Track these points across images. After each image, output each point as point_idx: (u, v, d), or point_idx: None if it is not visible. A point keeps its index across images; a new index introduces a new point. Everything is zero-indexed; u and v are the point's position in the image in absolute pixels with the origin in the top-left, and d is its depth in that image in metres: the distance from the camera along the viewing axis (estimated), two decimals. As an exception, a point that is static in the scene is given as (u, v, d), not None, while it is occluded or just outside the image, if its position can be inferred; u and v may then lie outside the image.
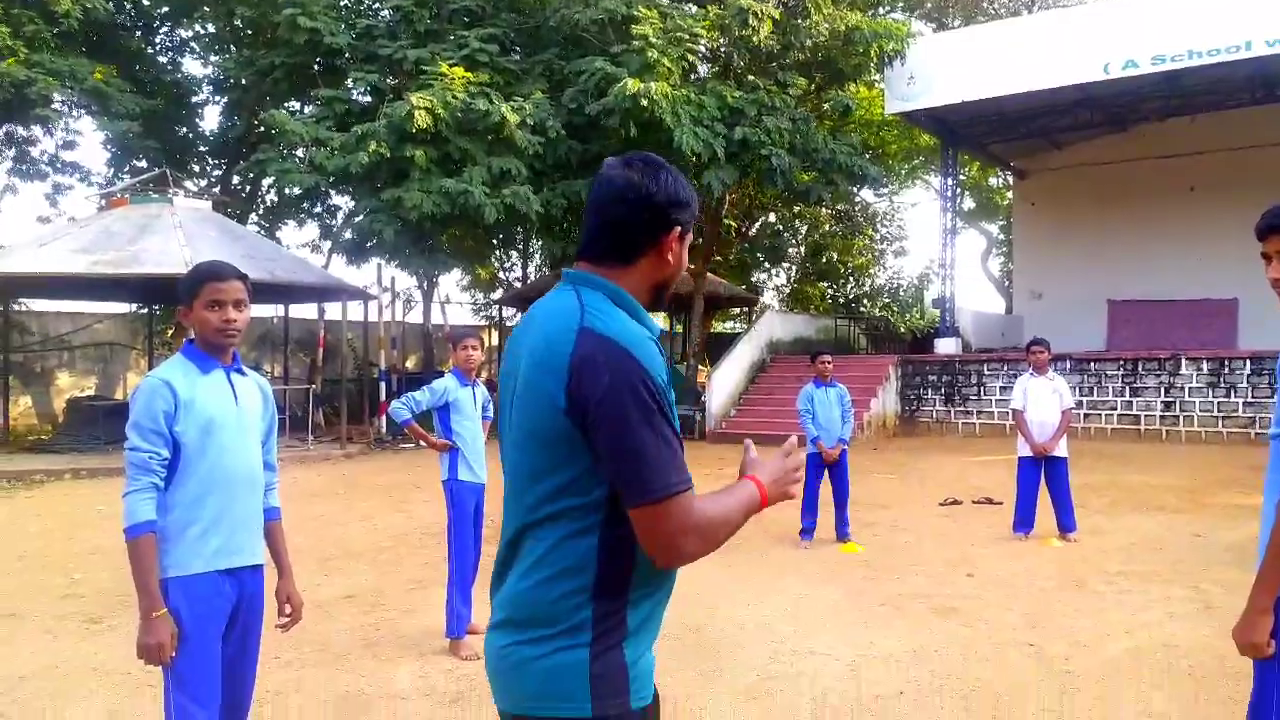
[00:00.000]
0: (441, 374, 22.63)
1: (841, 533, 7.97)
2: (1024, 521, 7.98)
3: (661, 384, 1.59)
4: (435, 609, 5.76)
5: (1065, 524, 7.89)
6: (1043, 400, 8.00)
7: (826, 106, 19.57)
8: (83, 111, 18.72)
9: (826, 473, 8.00)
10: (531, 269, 28.80)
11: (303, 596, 3.09)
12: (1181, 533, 8.19)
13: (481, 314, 32.04)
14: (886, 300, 29.37)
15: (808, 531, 7.94)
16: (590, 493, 1.59)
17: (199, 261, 2.90)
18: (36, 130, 19.69)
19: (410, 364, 23.30)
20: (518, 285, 27.41)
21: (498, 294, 28.94)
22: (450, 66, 15.42)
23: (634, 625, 1.64)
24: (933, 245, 58.85)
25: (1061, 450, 7.96)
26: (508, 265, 29.31)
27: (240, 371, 2.89)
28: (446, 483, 5.29)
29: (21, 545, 7.94)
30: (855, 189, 20.92)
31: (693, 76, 17.00)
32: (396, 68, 17.08)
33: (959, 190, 22.35)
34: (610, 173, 1.70)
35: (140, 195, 15.56)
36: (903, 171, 28.99)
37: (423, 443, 5.31)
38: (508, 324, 25.12)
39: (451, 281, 31.60)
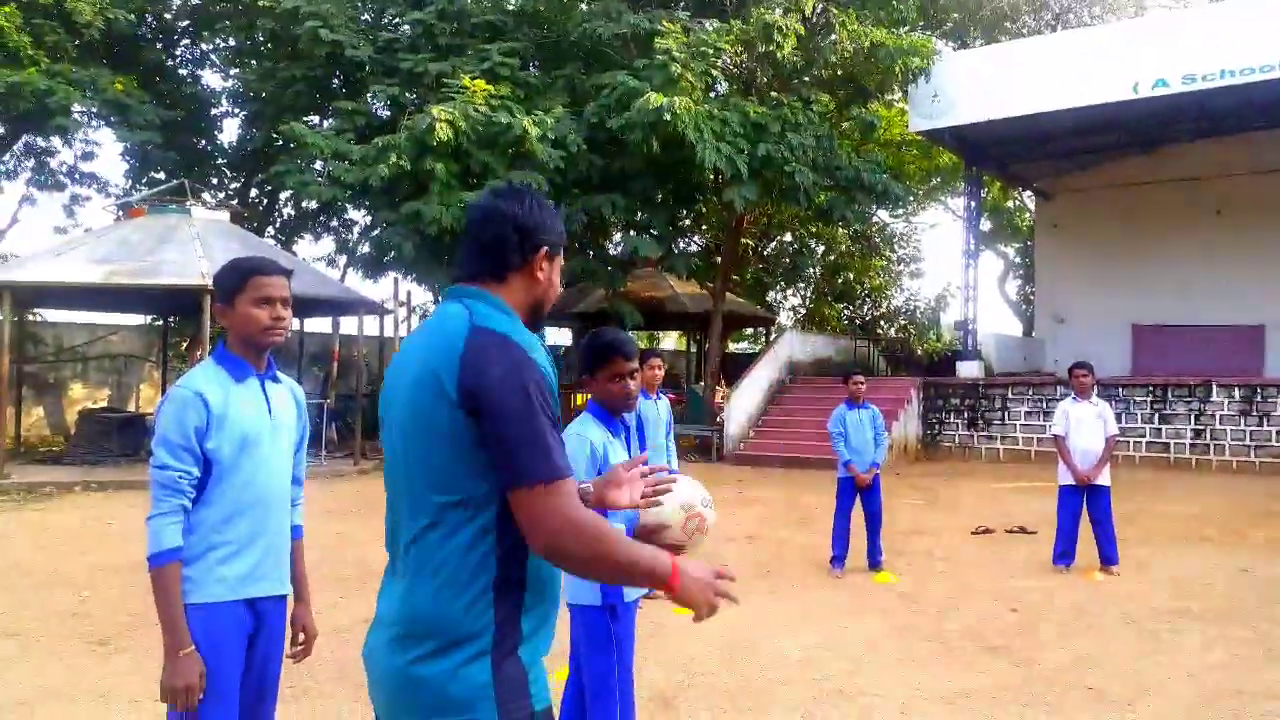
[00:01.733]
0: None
1: (874, 561, 7.68)
2: (1065, 554, 7.67)
3: (551, 386, 1.68)
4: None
5: (1108, 556, 7.58)
6: (1086, 426, 7.70)
7: (847, 124, 19.39)
8: (102, 122, 18.70)
9: (859, 498, 7.72)
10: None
11: (317, 624, 2.85)
12: (1227, 568, 7.87)
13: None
14: (904, 322, 29.06)
15: (839, 560, 7.65)
16: (483, 491, 1.62)
17: (234, 259, 2.66)
18: (55, 141, 19.72)
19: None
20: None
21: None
22: (471, 79, 15.29)
23: (528, 630, 1.68)
24: (949, 268, 58.67)
25: (1104, 479, 7.66)
26: (522, 282, 29.19)
27: (275, 379, 2.65)
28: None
29: (29, 560, 7.72)
30: (876, 207, 20.67)
31: (714, 93, 16.86)
32: (417, 81, 16.98)
33: (978, 211, 22.08)
34: (482, 202, 1.87)
35: (158, 206, 15.44)
36: (921, 192, 28.77)
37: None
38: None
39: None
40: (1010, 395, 17.24)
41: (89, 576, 7.16)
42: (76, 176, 20.59)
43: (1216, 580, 7.36)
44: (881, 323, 28.86)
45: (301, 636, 2.76)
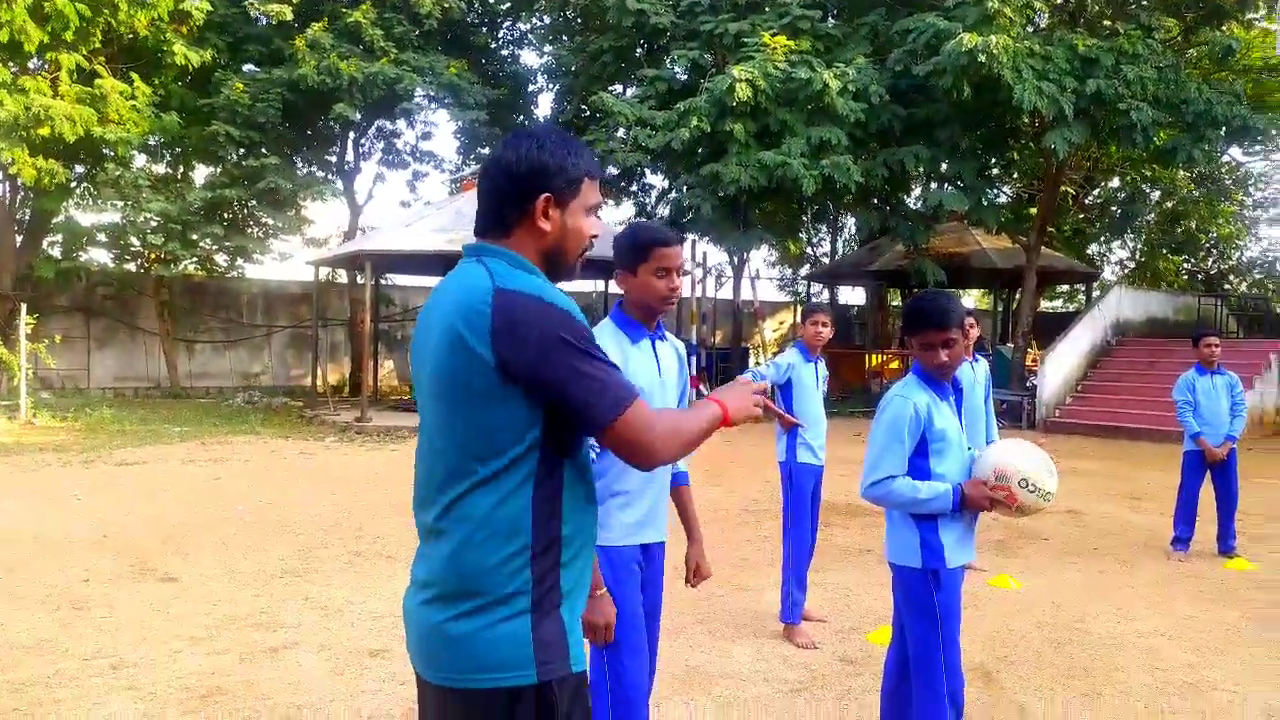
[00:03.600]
0: (748, 350, 22.67)
1: (1227, 545, 6.82)
2: None
3: (579, 317, 1.64)
4: (765, 590, 5.62)
5: None
6: None
7: (1195, 51, 17.02)
8: (438, 104, 20.73)
9: (1209, 475, 6.87)
10: (840, 243, 28.07)
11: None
12: None
13: (788, 290, 31.79)
14: (1260, 276, 25.27)
15: (1182, 542, 6.89)
16: (520, 451, 1.60)
17: (636, 223, 2.90)
18: (401, 124, 22.13)
19: (718, 339, 23.60)
20: (825, 261, 26.82)
21: (805, 270, 28.53)
22: (771, 36, 15.18)
23: (568, 587, 1.66)
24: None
25: None
26: (817, 240, 28.76)
27: (663, 337, 2.89)
28: (784, 464, 5.09)
29: (395, 493, 8.86)
30: (1229, 145, 18.02)
31: (1033, 27, 15.49)
32: (716, 43, 17.15)
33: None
34: (492, 151, 1.79)
35: (485, 179, 16.89)
36: (1287, 124, 24.71)
37: (777, 419, 5.13)
38: (814, 299, 24.59)
39: (760, 257, 31.61)
40: (1406, 361, 14.48)
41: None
42: (417, 155, 23.02)
43: None
44: (1231, 277, 25.32)
45: (696, 573, 3.03)
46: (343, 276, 20.90)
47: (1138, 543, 7.32)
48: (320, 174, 21.65)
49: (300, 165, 21.19)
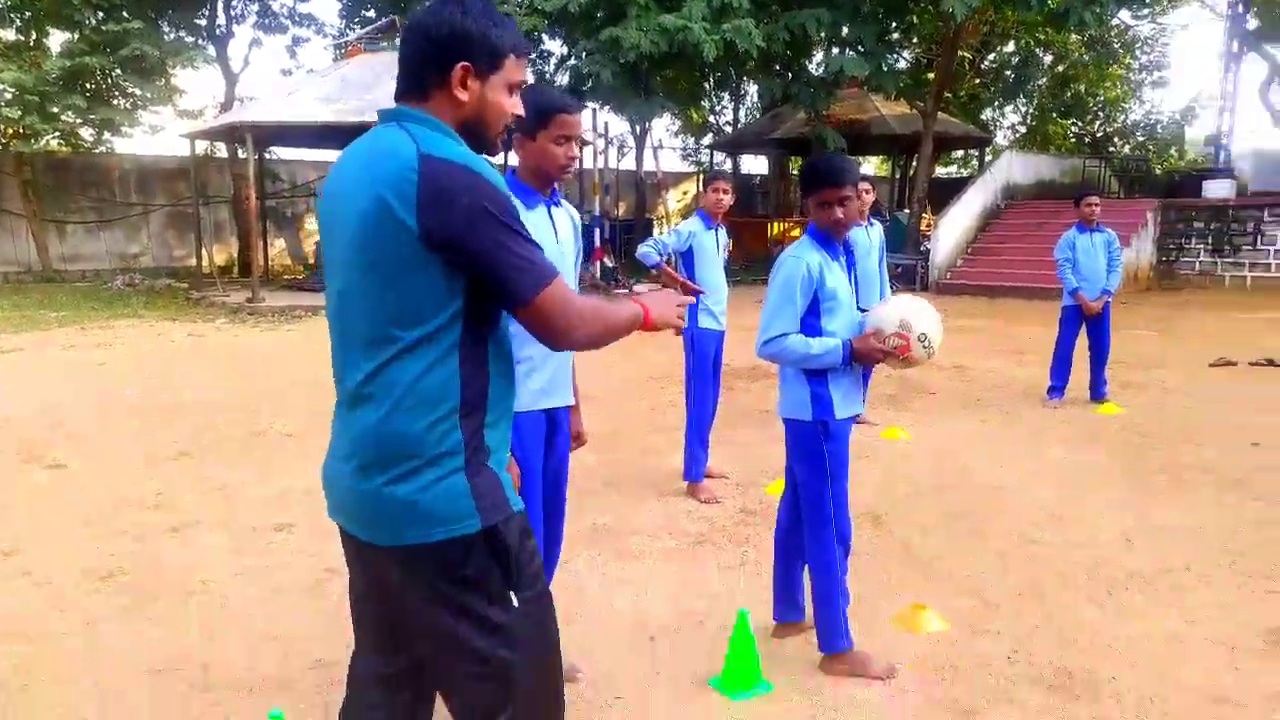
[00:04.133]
0: (652, 221, 22.51)
1: (1098, 393, 7.29)
2: (1324, 388, 6.99)
3: (506, 193, 1.63)
4: (670, 452, 5.79)
5: (1377, 393, 6.84)
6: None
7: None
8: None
9: (1085, 328, 7.26)
10: (743, 112, 27.81)
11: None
12: None
13: (691, 159, 31.53)
14: (1142, 139, 26.19)
15: (1057, 390, 7.33)
16: (446, 317, 1.61)
17: (536, 87, 2.77)
18: (275, -18, 20.60)
19: (621, 210, 23.39)
20: (728, 129, 26.59)
21: (708, 139, 28.26)
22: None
23: (493, 445, 1.71)
24: (1198, 75, 51.70)
25: (1381, 308, 6.80)
26: (719, 109, 28.41)
27: (558, 204, 2.84)
28: (685, 330, 5.13)
29: (293, 372, 8.68)
30: (1119, 8, 18.29)
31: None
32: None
33: (1245, 6, 19.08)
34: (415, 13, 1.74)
35: (373, 44, 16.02)
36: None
37: (677, 286, 5.15)
38: (717, 168, 24.48)
39: (662, 126, 31.11)
40: (1266, 218, 15.42)
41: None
42: (296, 19, 21.55)
43: None
44: (1115, 140, 26.16)
45: (575, 440, 3.06)
46: (222, 150, 19.74)
47: (1018, 394, 7.75)
48: (190, 39, 20.10)
49: (167, 30, 19.61)
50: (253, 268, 14.92)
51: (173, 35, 19.61)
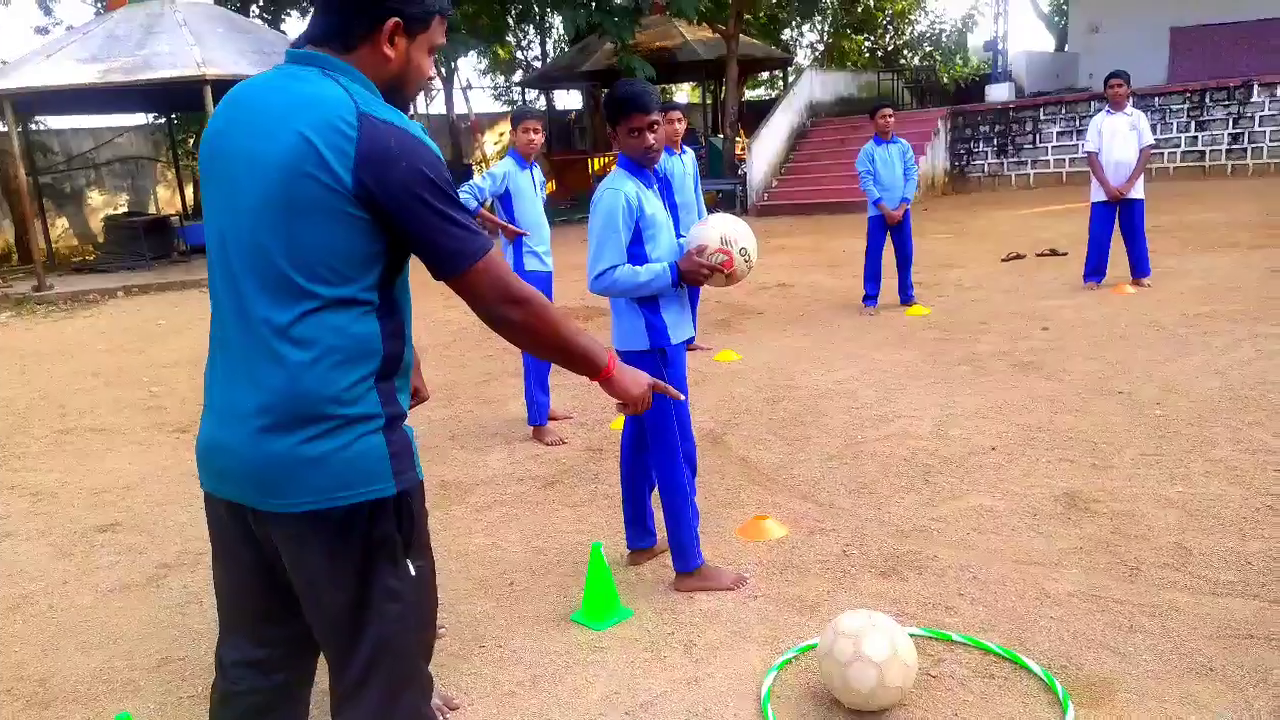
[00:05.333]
0: (470, 167, 22.00)
1: (906, 296, 7.80)
2: (1096, 270, 7.74)
3: (443, 161, 1.62)
4: (509, 399, 5.80)
5: (1140, 269, 7.64)
6: (1120, 139, 7.50)
7: None
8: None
9: (889, 235, 7.72)
10: (550, 46, 27.36)
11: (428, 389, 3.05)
12: (1258, 269, 7.92)
13: (503, 99, 30.87)
14: (929, 49, 27.61)
15: (871, 298, 7.79)
16: (370, 277, 1.59)
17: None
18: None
19: (438, 156, 22.69)
20: (537, 65, 26.13)
21: (518, 76, 27.70)
22: None
23: (405, 408, 1.71)
24: (973, -16, 54.70)
25: (1138, 192, 7.55)
26: (525, 43, 27.84)
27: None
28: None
29: (94, 363, 8.08)
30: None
31: None
32: None
33: (1010, -84, 20.24)
34: None
35: (137, -5, 14.64)
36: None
37: (500, 231, 5.10)
38: (527, 107, 24.07)
39: (470, 66, 30.22)
40: (1042, 117, 16.65)
41: (155, 373, 7.52)
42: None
43: (1247, 283, 7.44)
44: (905, 52, 27.45)
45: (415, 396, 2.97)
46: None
47: (836, 305, 8.19)
48: (-82, 0, 17.78)
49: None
50: (34, 253, 13.60)
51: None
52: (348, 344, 1.58)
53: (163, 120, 19.32)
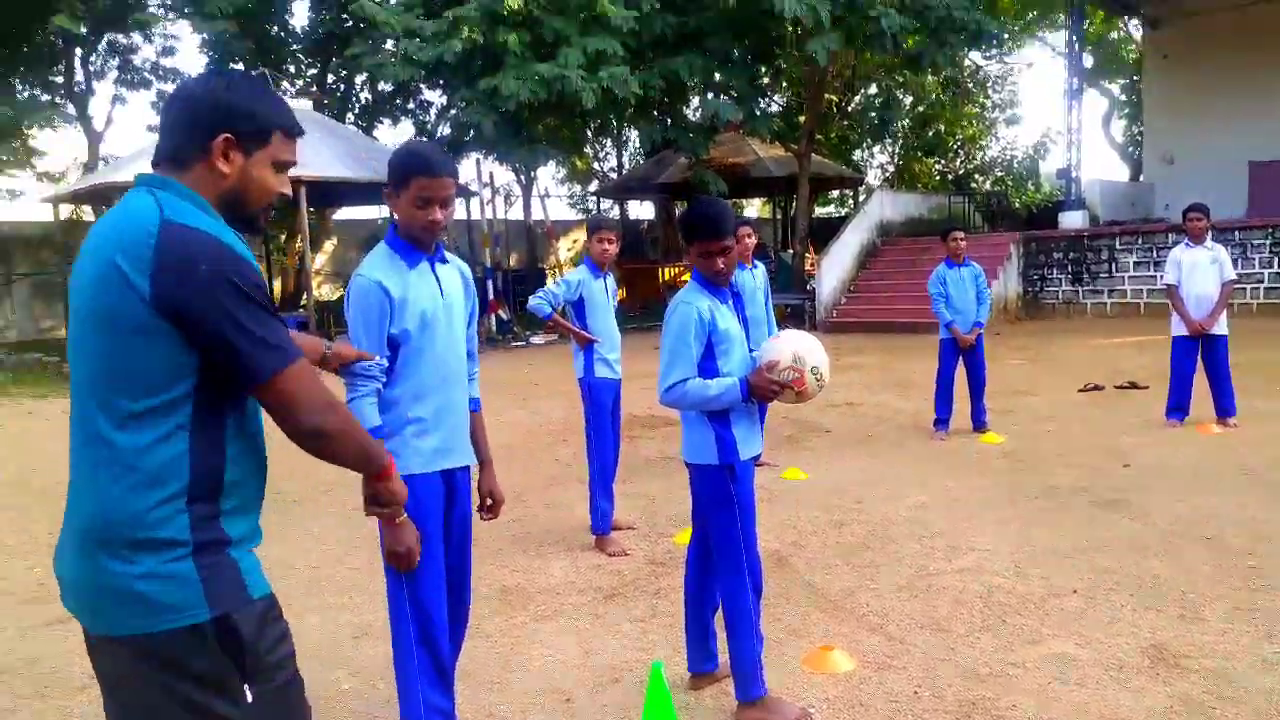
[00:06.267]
0: (544, 271, 22.54)
1: (979, 422, 7.64)
2: (1179, 407, 7.49)
3: (254, 267, 1.59)
4: (575, 505, 5.77)
5: (1225, 408, 7.38)
6: (1200, 272, 7.37)
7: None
8: (176, 14, 18.75)
9: (961, 359, 7.62)
10: (626, 158, 28.27)
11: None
12: (1354, 414, 7.59)
13: (579, 207, 31.80)
14: (1000, 174, 27.78)
15: (943, 422, 7.64)
16: (176, 392, 1.55)
17: (409, 143, 2.74)
18: (137, 37, 19.91)
19: (513, 261, 23.35)
20: (613, 176, 26.97)
21: (594, 186, 28.58)
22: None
23: (236, 536, 1.62)
24: (1047, 112, 55.41)
25: (1221, 328, 7.37)
26: (602, 155, 28.81)
27: (443, 259, 2.80)
28: (583, 380, 5.18)
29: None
30: (969, 49, 19.50)
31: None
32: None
33: (1081, 44, 20.58)
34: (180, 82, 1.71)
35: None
36: (1016, 28, 26.99)
37: (572, 337, 5.18)
38: (600, 217, 24.74)
39: (548, 175, 31.33)
40: (1118, 246, 16.51)
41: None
42: (160, 73, 20.87)
43: (1342, 428, 7.12)
44: (976, 176, 27.66)
45: (489, 500, 2.97)
46: (89, 214, 18.84)
47: (906, 426, 8.05)
48: (46, 98, 19.21)
49: (19, 88, 18.70)
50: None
51: (26, 94, 18.70)
52: (150, 463, 1.53)
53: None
